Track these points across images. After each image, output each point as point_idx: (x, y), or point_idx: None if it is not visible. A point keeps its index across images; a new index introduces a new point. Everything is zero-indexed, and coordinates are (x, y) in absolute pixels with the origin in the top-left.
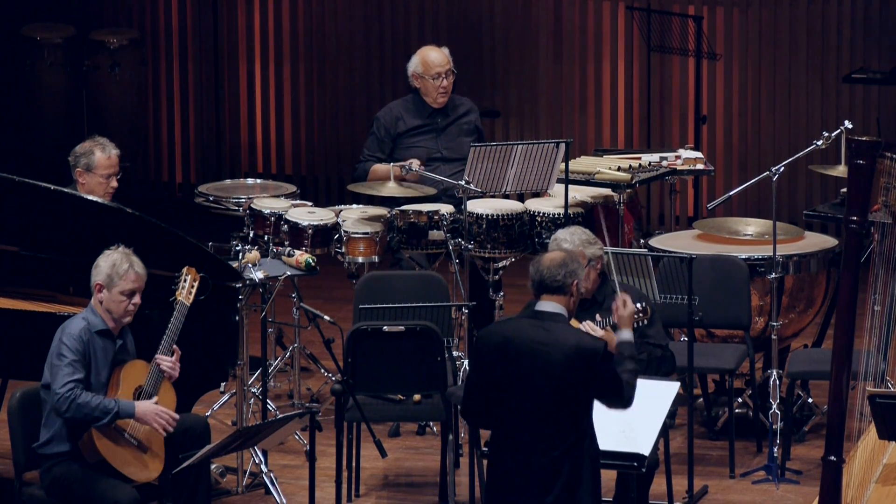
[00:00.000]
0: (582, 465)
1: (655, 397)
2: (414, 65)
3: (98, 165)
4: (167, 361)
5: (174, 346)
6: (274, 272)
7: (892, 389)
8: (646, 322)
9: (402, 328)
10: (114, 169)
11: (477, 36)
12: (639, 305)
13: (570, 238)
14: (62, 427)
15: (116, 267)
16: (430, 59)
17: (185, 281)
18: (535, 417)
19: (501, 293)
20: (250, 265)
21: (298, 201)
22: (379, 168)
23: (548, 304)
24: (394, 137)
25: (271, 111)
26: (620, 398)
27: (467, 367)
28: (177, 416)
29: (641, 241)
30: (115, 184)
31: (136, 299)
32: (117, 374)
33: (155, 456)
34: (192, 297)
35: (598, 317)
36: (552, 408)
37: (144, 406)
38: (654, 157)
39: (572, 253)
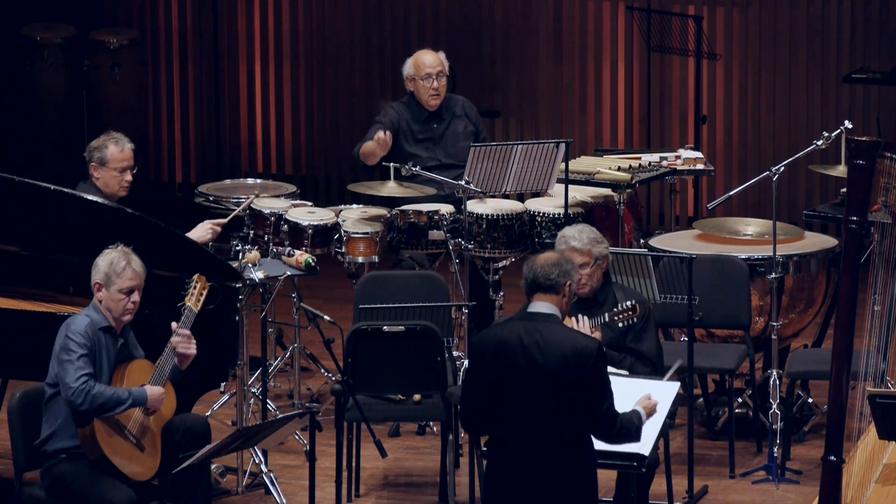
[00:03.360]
0: (583, 463)
1: (655, 397)
2: (407, 67)
3: (112, 159)
4: (180, 338)
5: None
6: (274, 272)
7: (892, 389)
8: (635, 320)
9: (402, 328)
10: (128, 162)
11: (477, 36)
12: (628, 304)
13: (577, 236)
14: (63, 424)
15: (114, 265)
16: (421, 61)
17: (194, 287)
18: (534, 419)
19: (501, 293)
20: (250, 265)
21: (298, 201)
22: (368, 144)
23: (540, 305)
24: (395, 132)
25: (271, 111)
26: (611, 417)
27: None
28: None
29: (641, 241)
30: (129, 177)
31: (136, 297)
32: (121, 372)
33: (152, 455)
34: (200, 304)
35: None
36: (550, 408)
37: (154, 392)
38: (654, 157)
39: (566, 254)
